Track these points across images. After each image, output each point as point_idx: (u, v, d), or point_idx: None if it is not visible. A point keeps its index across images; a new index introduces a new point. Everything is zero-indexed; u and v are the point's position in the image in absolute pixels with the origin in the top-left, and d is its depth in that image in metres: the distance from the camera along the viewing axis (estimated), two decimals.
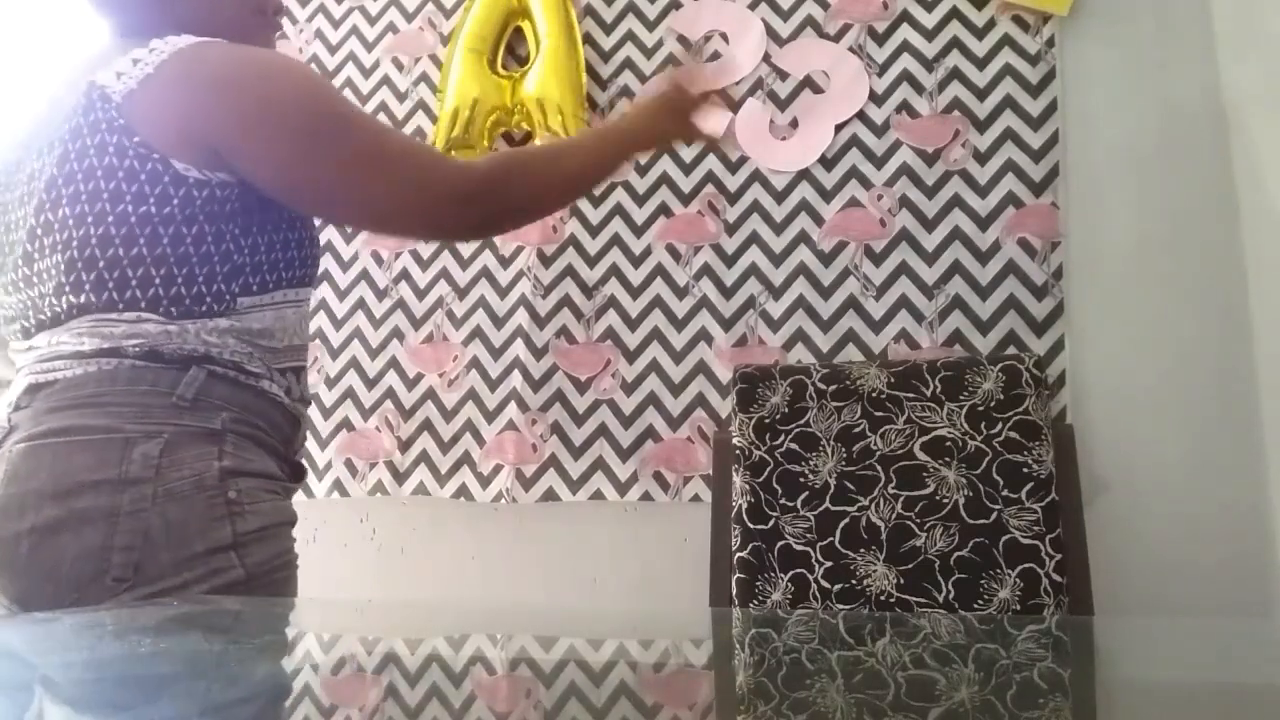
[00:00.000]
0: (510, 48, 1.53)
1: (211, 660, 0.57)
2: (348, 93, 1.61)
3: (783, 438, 1.22)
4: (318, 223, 1.02)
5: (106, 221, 0.87)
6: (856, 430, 1.20)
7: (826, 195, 1.37)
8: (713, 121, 1.44)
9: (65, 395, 0.87)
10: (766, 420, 1.23)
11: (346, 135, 0.92)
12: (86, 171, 0.87)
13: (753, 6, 1.45)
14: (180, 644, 0.64)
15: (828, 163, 1.38)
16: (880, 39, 1.39)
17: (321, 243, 1.57)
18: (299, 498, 1.56)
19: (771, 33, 1.44)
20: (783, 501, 1.19)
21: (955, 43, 1.36)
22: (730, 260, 1.39)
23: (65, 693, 0.48)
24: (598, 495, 1.38)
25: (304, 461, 1.02)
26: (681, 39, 1.47)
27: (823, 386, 1.24)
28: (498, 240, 1.49)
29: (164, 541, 0.82)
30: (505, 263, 1.48)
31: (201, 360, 0.89)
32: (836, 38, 1.41)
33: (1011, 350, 1.27)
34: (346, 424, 1.50)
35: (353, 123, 0.93)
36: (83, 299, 0.88)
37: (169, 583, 0.81)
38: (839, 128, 1.38)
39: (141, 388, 0.87)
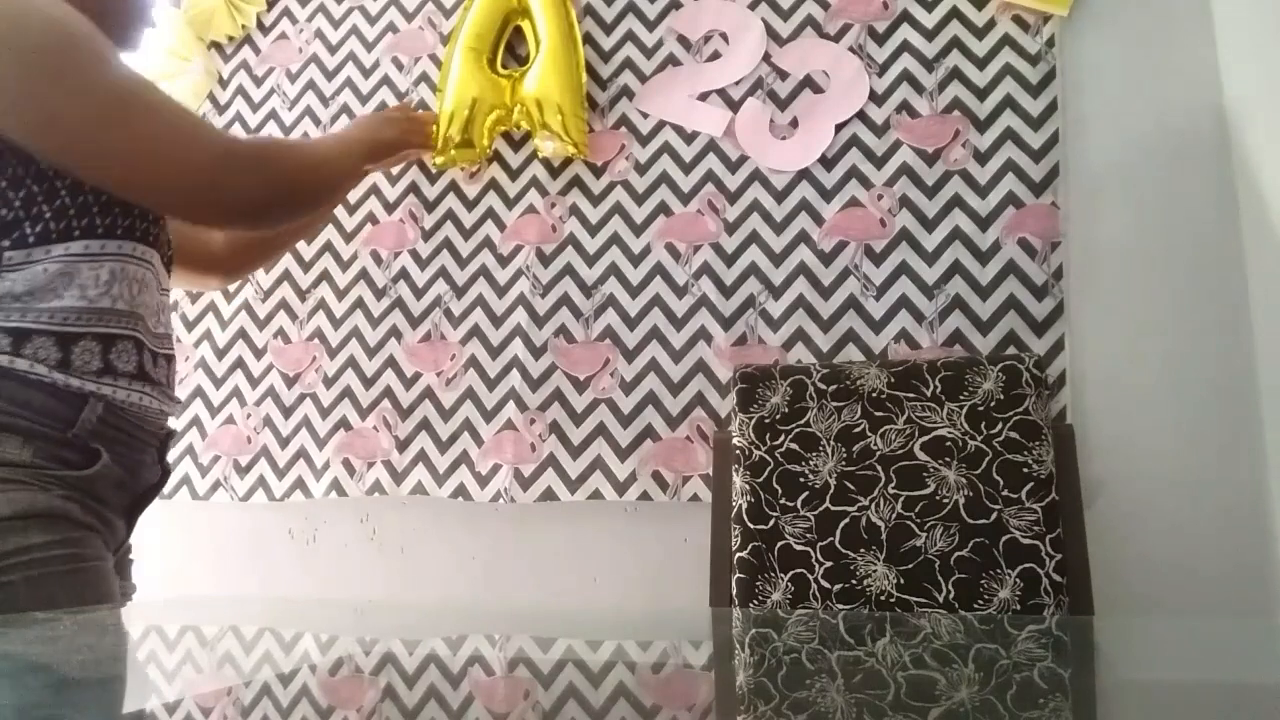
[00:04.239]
0: (510, 47, 1.53)
1: None
2: (347, 93, 1.61)
3: (783, 438, 1.22)
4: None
5: None
6: (856, 430, 1.20)
7: (826, 195, 1.37)
8: (713, 121, 1.44)
9: None
10: (766, 420, 1.23)
11: (101, 74, 0.82)
12: None
13: (753, 6, 1.45)
14: None
15: (828, 162, 1.38)
16: (880, 39, 1.39)
17: (319, 242, 1.57)
18: (298, 498, 1.57)
19: (771, 32, 1.44)
20: (783, 501, 1.18)
21: (955, 43, 1.36)
22: (730, 259, 1.39)
23: None
24: (596, 495, 1.37)
25: (97, 445, 0.88)
26: (681, 38, 1.47)
27: (823, 386, 1.23)
28: (495, 239, 1.49)
29: None
30: (504, 261, 1.48)
31: None
32: (837, 38, 1.41)
33: (1011, 350, 1.27)
34: (344, 423, 1.50)
35: (109, 64, 0.83)
36: None
37: None
38: (839, 127, 1.38)
39: None
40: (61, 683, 0.51)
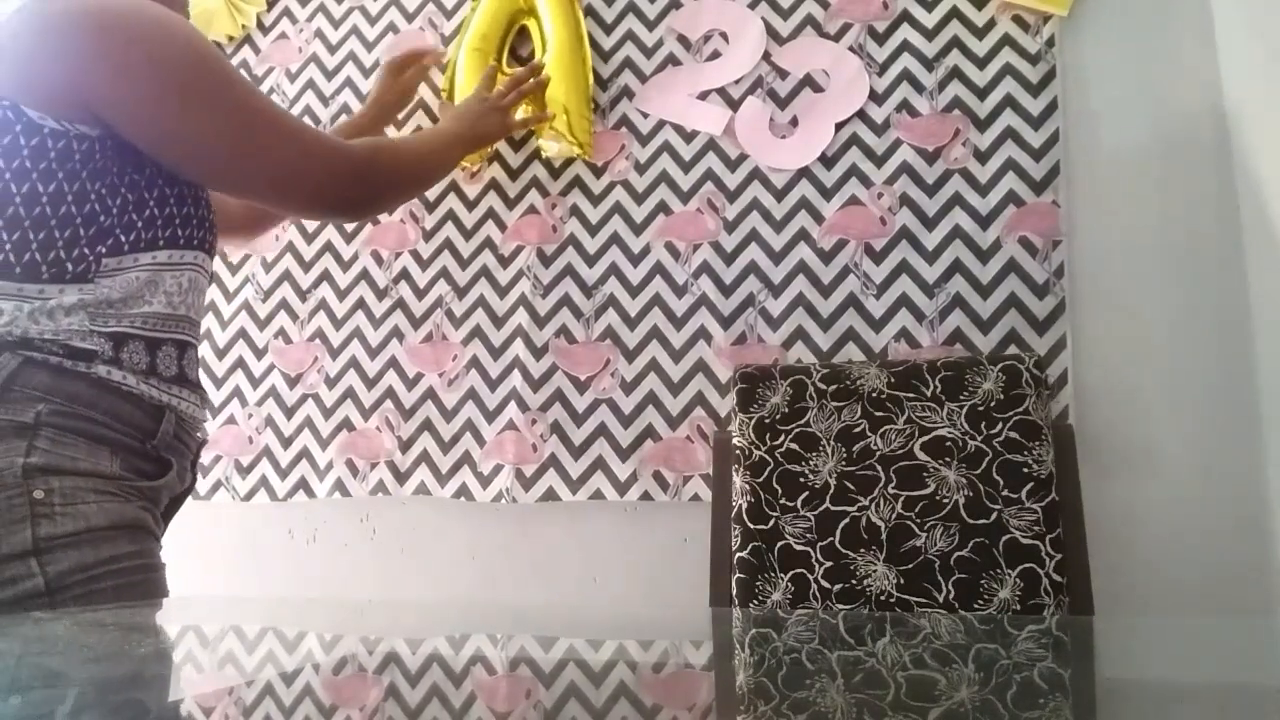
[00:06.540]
0: (512, 48, 1.53)
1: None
2: (347, 92, 1.61)
3: (783, 438, 1.22)
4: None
5: None
6: (857, 430, 1.20)
7: (826, 193, 1.37)
8: (712, 120, 1.44)
9: None
10: (767, 420, 1.23)
11: (231, 93, 0.87)
12: None
13: (753, 5, 1.45)
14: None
15: (828, 161, 1.38)
16: (880, 38, 1.39)
17: (320, 242, 1.57)
18: (300, 498, 1.58)
19: (772, 31, 1.44)
20: (783, 501, 1.19)
21: (955, 42, 1.36)
22: (730, 258, 1.39)
23: None
24: (597, 495, 1.38)
25: (169, 456, 0.91)
26: (681, 38, 1.47)
27: (823, 386, 1.24)
28: (496, 239, 1.49)
29: None
30: (505, 262, 1.48)
31: (16, 345, 0.80)
32: (837, 37, 1.41)
33: (1012, 349, 1.27)
34: (347, 424, 1.50)
35: (237, 82, 0.89)
36: None
37: None
38: (839, 126, 1.38)
39: None
40: (129, 676, 0.52)
